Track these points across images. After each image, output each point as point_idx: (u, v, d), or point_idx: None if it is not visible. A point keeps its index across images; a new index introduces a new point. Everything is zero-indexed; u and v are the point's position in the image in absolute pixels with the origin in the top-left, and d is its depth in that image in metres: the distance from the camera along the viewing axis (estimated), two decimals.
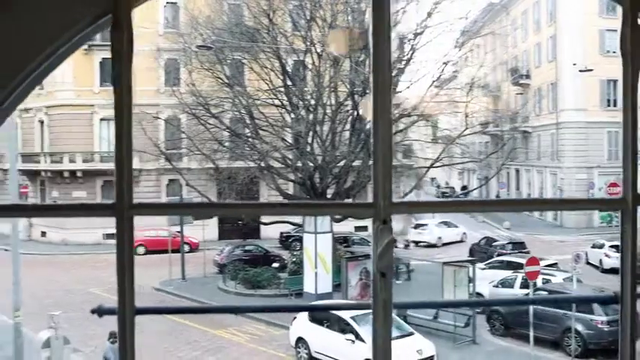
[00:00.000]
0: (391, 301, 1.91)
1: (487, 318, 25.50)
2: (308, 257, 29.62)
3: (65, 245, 44.34)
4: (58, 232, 46.03)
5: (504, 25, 58.64)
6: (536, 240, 43.52)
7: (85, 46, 41.59)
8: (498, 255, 36.27)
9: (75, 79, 46.44)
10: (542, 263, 27.39)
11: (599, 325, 21.65)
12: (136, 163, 43.67)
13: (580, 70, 46.12)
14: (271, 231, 41.28)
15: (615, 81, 48.25)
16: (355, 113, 32.64)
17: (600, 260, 34.98)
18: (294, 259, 33.62)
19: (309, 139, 32.94)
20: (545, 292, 24.20)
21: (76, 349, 19.55)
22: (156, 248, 39.45)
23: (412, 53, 33.70)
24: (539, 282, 24.95)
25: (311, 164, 32.85)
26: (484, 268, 31.40)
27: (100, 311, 2.01)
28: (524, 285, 25.32)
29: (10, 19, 1.79)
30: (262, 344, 24.38)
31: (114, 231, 1.89)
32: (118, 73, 1.86)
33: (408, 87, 34.48)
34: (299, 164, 33.20)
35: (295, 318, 23.33)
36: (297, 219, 32.53)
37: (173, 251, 34.78)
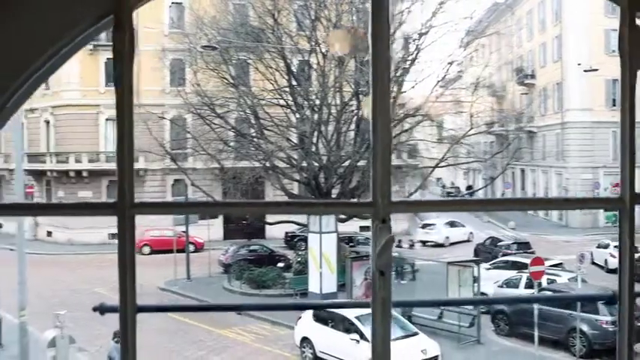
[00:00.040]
0: (390, 300, 1.93)
1: (492, 318, 25.47)
2: (313, 257, 29.63)
3: (71, 245, 44.44)
4: (63, 232, 46.14)
5: (509, 24, 58.58)
6: (542, 240, 43.44)
7: (91, 47, 41.72)
8: (503, 255, 36.23)
9: (81, 80, 46.56)
10: (548, 263, 27.36)
11: (604, 325, 21.59)
12: (141, 163, 43.81)
13: (585, 70, 46.06)
14: (276, 231, 41.28)
15: None
16: (360, 113, 32.65)
17: (605, 260, 34.88)
18: (299, 259, 33.64)
19: (314, 139, 32.95)
20: (550, 293, 24.17)
21: (81, 349, 19.60)
22: (161, 248, 39.54)
23: (417, 53, 33.70)
24: (544, 282, 24.90)
25: (316, 164, 32.85)
26: (489, 268, 31.36)
27: (101, 309, 2.04)
28: (529, 285, 25.28)
29: (13, 19, 1.81)
30: (267, 344, 24.40)
31: None
32: (120, 73, 1.88)
33: (413, 87, 34.51)
34: (304, 164, 33.21)
35: (300, 318, 23.36)
36: (302, 219, 32.56)
37: (178, 251, 34.82)
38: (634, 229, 2.02)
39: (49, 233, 47.50)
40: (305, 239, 32.68)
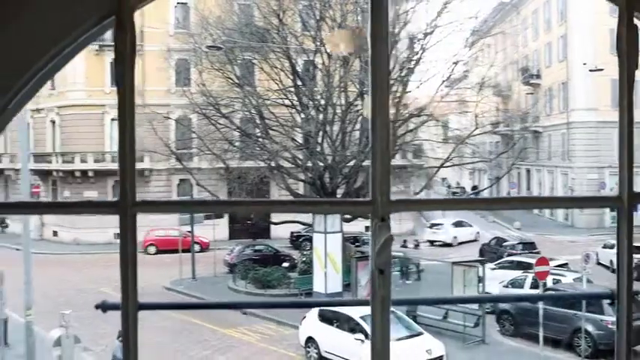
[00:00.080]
0: (389, 298, 1.94)
1: (497, 318, 25.46)
2: (318, 257, 29.63)
3: (77, 245, 44.56)
4: (69, 232, 46.27)
5: (515, 24, 58.47)
6: (547, 240, 43.38)
7: (97, 47, 41.83)
8: (508, 255, 36.17)
9: (86, 80, 46.67)
10: (553, 263, 27.32)
11: (610, 326, 21.51)
12: (146, 163, 43.87)
13: (590, 70, 45.92)
14: (281, 231, 41.31)
15: None
16: (365, 113, 32.65)
17: (611, 261, 34.71)
18: (304, 259, 33.67)
19: (319, 139, 32.96)
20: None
21: (86, 348, 19.67)
22: (167, 248, 39.59)
23: (422, 53, 33.68)
24: (549, 282, 24.88)
25: (321, 164, 32.86)
26: (494, 269, 31.32)
27: (104, 307, 2.06)
28: (535, 285, 25.27)
29: (15, 20, 1.83)
30: (272, 344, 24.43)
31: None
32: (121, 74, 1.90)
33: (418, 87, 34.48)
34: (309, 164, 33.22)
35: (305, 317, 23.37)
36: (308, 219, 32.56)
37: (184, 251, 34.89)
38: (632, 228, 2.03)
39: (55, 233, 47.65)
40: (310, 239, 32.70)
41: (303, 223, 35.62)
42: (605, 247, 36.63)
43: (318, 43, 33.36)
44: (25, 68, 1.87)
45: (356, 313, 21.24)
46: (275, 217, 38.90)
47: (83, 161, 47.71)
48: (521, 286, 27.47)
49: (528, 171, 61.58)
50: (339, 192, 32.82)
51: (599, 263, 33.71)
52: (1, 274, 19.66)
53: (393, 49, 32.11)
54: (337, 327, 22.37)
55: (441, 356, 21.34)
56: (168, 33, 43.14)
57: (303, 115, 34.01)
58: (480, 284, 25.33)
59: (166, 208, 2.58)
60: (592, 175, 51.57)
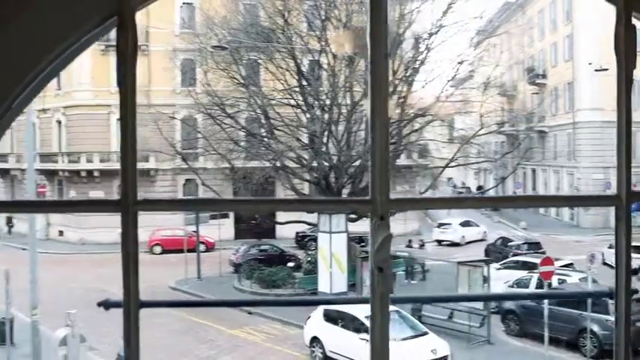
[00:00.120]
0: (388, 296, 1.95)
1: (502, 318, 25.43)
2: (323, 257, 29.64)
3: (82, 244, 44.66)
4: (75, 232, 46.39)
5: (520, 24, 58.39)
6: (553, 240, 43.29)
7: (102, 47, 41.91)
8: (514, 255, 36.12)
9: (92, 80, 46.78)
10: (558, 263, 27.25)
11: None
12: (152, 163, 43.95)
13: (596, 70, 45.83)
14: (287, 231, 41.33)
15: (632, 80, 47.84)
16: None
17: None
18: (309, 259, 33.67)
19: (325, 139, 32.97)
20: None
21: (91, 347, 19.71)
22: (172, 248, 39.69)
23: (427, 53, 33.67)
24: (554, 282, 24.83)
25: (326, 164, 32.87)
26: (499, 269, 31.28)
27: (106, 304, 2.08)
28: (540, 285, 25.20)
29: (16, 20, 1.84)
30: (278, 343, 24.45)
31: None
32: (123, 74, 1.92)
33: (423, 87, 34.48)
34: (314, 164, 33.24)
35: (310, 317, 23.39)
36: (313, 219, 32.58)
37: (189, 251, 34.96)
38: (630, 227, 2.04)
39: (61, 233, 47.80)
40: (315, 239, 32.73)
41: (309, 223, 35.63)
42: (611, 247, 36.46)
43: (324, 43, 33.35)
44: (27, 68, 1.88)
45: (361, 312, 21.21)
46: (280, 216, 38.94)
47: (89, 161, 47.86)
48: (527, 286, 27.42)
49: (534, 171, 61.49)
50: (345, 192, 32.83)
51: (605, 263, 33.61)
52: (8, 274, 19.71)
53: (398, 49, 32.12)
54: (342, 327, 22.39)
55: (446, 356, 21.32)
56: (173, 33, 43.24)
57: (308, 115, 34.02)
58: (485, 284, 25.30)
59: (167, 206, 2.59)
60: (598, 175, 51.43)
